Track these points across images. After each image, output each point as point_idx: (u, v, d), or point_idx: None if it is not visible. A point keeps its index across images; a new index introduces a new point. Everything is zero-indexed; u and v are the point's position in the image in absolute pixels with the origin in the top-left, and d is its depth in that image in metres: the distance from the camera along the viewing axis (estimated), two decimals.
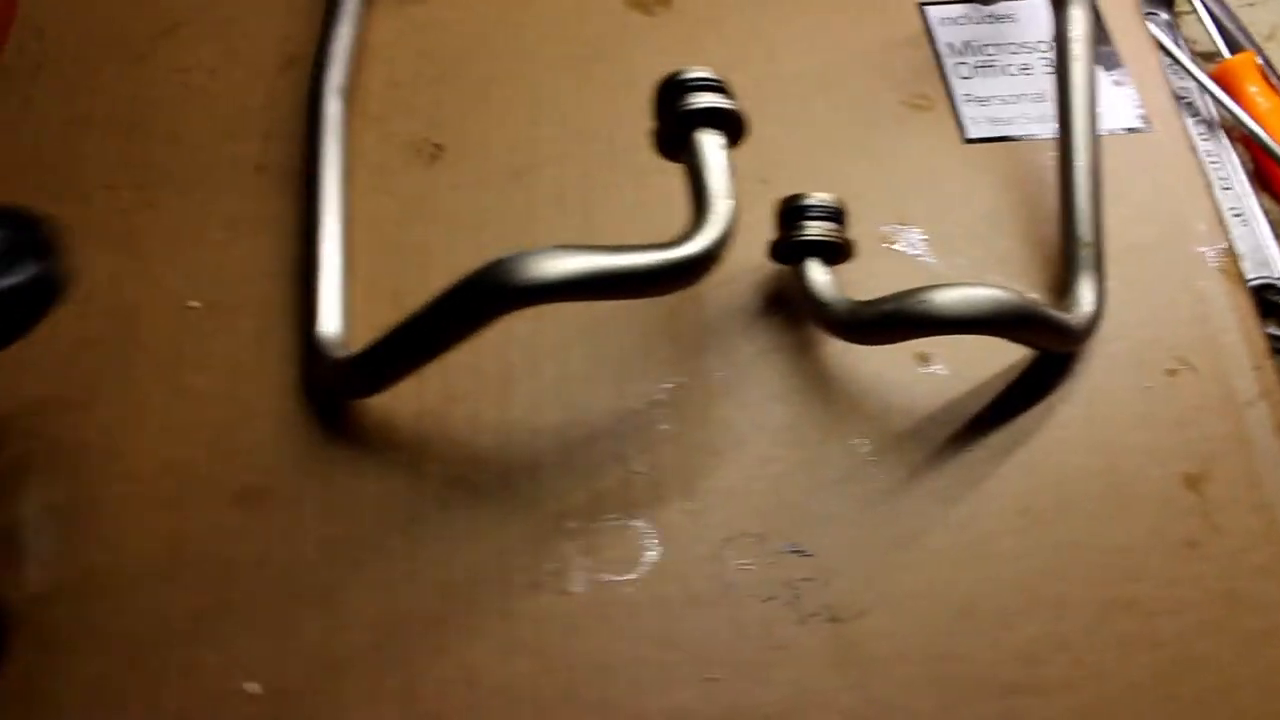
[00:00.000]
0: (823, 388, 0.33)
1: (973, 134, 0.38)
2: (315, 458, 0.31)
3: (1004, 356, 0.33)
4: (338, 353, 0.31)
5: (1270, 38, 0.58)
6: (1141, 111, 0.38)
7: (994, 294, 0.29)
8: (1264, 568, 0.30)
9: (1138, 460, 0.32)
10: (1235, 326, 0.34)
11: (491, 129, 0.38)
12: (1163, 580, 0.30)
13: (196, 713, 0.28)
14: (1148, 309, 0.34)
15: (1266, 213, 0.52)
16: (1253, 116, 0.52)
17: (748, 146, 0.30)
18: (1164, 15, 0.57)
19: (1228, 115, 0.53)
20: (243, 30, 0.40)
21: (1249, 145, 0.53)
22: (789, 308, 0.34)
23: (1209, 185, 0.37)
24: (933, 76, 0.39)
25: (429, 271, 0.35)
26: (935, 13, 0.41)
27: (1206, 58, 0.57)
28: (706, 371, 0.33)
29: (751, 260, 0.34)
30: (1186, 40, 0.57)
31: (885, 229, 0.36)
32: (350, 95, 0.37)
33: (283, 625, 0.29)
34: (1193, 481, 0.31)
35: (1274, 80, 0.55)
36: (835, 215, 0.31)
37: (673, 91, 0.28)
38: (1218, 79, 0.53)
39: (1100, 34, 0.39)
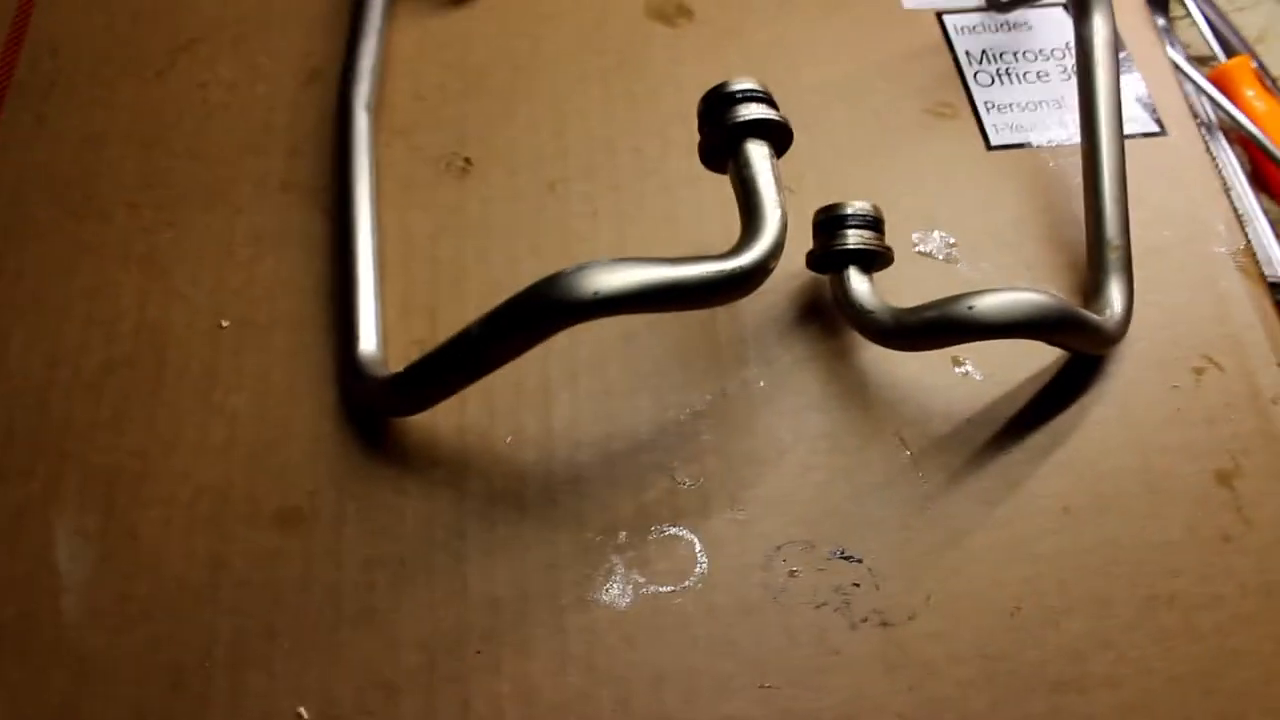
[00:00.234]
0: (860, 394, 0.33)
1: (995, 141, 0.38)
2: (356, 477, 0.31)
3: (1035, 359, 0.34)
4: (378, 371, 0.31)
5: (1260, 40, 0.59)
6: (1156, 116, 0.39)
7: (1035, 298, 0.29)
8: None
9: (1171, 458, 0.32)
10: (1258, 324, 0.35)
11: (519, 141, 0.38)
12: (1200, 575, 0.31)
13: None
14: (1172, 309, 0.35)
15: (1266, 212, 0.53)
16: (1250, 119, 0.53)
17: None
18: (1160, 20, 0.58)
19: (1226, 118, 0.54)
20: (261, 45, 0.40)
21: (1247, 147, 0.55)
22: (824, 316, 0.34)
23: (1225, 187, 0.38)
24: (954, 84, 0.40)
25: (464, 286, 0.34)
26: (953, 21, 0.41)
27: (1201, 61, 0.58)
28: (746, 381, 0.33)
29: (784, 269, 0.34)
30: (1182, 44, 0.58)
31: (914, 235, 0.36)
32: (376, 109, 0.37)
33: (330, 647, 0.29)
34: (1224, 477, 0.32)
35: (1269, 83, 0.56)
36: (874, 223, 0.31)
37: (719, 103, 0.28)
38: (1215, 82, 0.55)
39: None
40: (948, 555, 0.30)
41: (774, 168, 0.28)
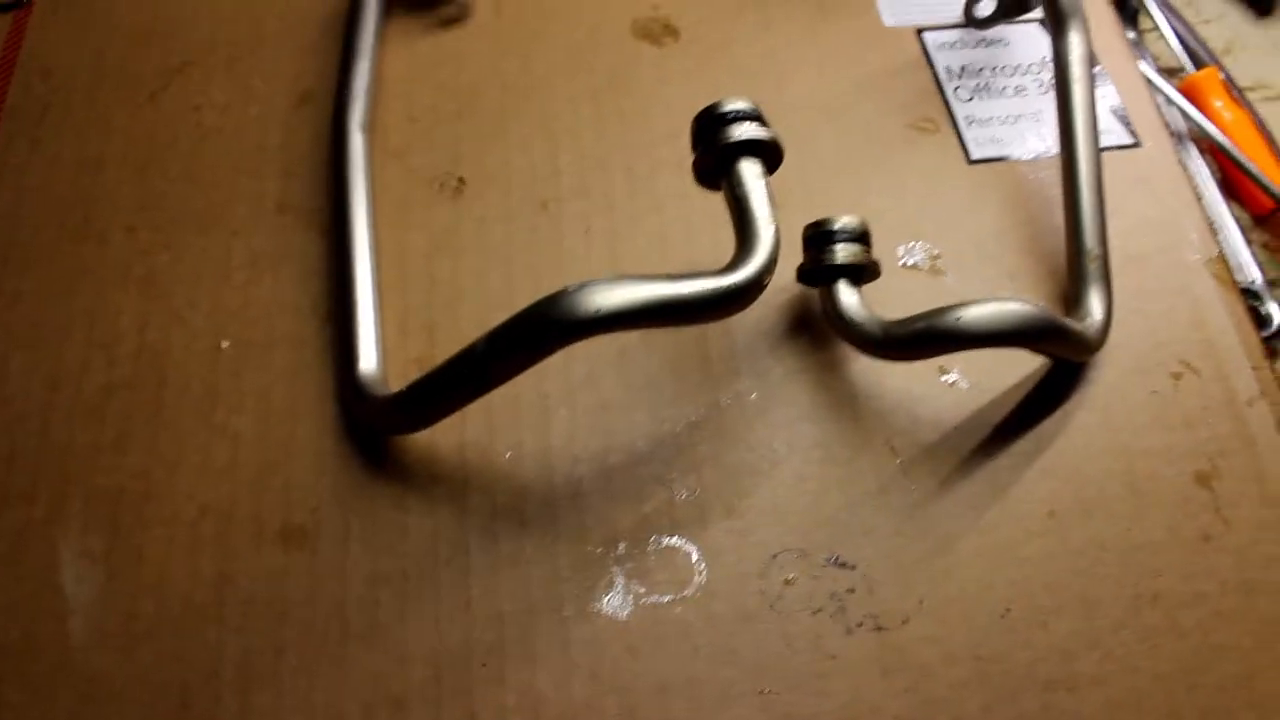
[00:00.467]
0: (851, 404, 0.34)
1: (976, 155, 0.39)
2: (358, 494, 0.31)
3: (1019, 367, 0.35)
4: (379, 389, 0.31)
5: (1227, 51, 0.61)
6: (1131, 128, 0.40)
7: (1019, 308, 0.30)
8: (1276, 558, 0.32)
9: (1152, 461, 0.33)
10: (1232, 329, 0.36)
11: (512, 161, 0.38)
12: (1182, 574, 0.32)
13: None
14: (1149, 316, 0.36)
15: (1236, 220, 0.55)
16: (1219, 129, 0.54)
17: None
18: (1130, 33, 0.60)
19: (1195, 128, 0.55)
20: (253, 67, 0.40)
21: (1217, 156, 0.56)
22: (813, 328, 0.35)
23: (1198, 196, 0.39)
24: (935, 100, 0.41)
25: (462, 305, 0.35)
26: (933, 38, 0.42)
27: (1170, 73, 0.60)
28: (739, 393, 0.34)
29: (774, 283, 0.34)
30: (1152, 56, 0.60)
31: (899, 248, 0.37)
32: (370, 130, 0.37)
33: (337, 664, 0.29)
34: (1204, 479, 0.33)
35: (1236, 94, 0.58)
36: (861, 237, 0.32)
37: (712, 123, 0.28)
38: (1185, 93, 0.56)
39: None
40: (939, 560, 0.31)
41: (766, 185, 0.29)
